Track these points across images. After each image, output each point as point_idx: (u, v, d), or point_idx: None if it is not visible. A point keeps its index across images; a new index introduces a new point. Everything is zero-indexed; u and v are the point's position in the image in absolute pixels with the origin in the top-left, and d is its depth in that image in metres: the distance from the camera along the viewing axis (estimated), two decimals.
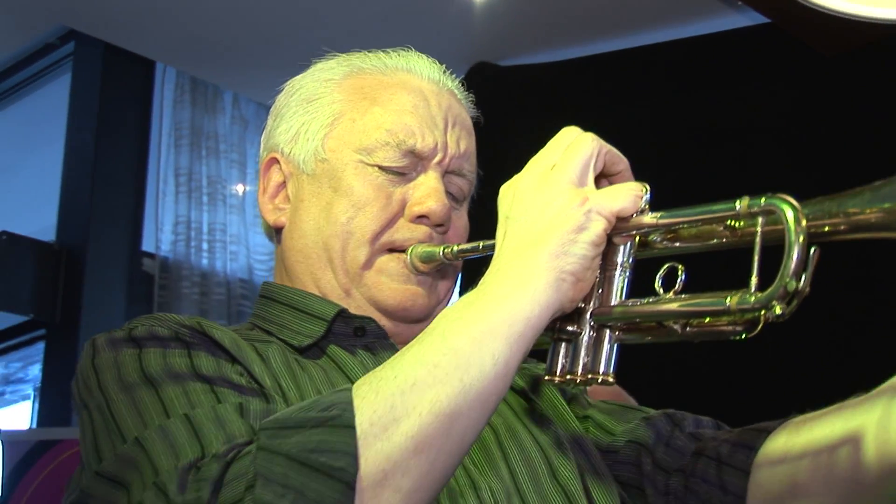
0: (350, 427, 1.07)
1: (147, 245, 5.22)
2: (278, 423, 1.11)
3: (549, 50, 4.76)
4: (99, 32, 5.06)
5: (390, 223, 1.48)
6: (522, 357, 1.16)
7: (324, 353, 1.45)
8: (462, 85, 1.63)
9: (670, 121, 4.22)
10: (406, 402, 1.08)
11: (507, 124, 4.31)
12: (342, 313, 1.46)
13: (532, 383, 1.56)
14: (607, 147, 1.27)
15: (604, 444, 1.51)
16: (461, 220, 1.56)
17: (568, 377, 1.27)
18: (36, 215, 5.36)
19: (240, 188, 5.48)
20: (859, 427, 1.21)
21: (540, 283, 1.17)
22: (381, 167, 1.49)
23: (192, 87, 5.33)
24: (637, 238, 1.27)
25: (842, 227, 1.09)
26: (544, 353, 1.33)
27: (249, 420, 1.20)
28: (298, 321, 1.47)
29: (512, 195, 1.27)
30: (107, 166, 5.09)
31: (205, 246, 5.20)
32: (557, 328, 1.27)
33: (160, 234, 5.19)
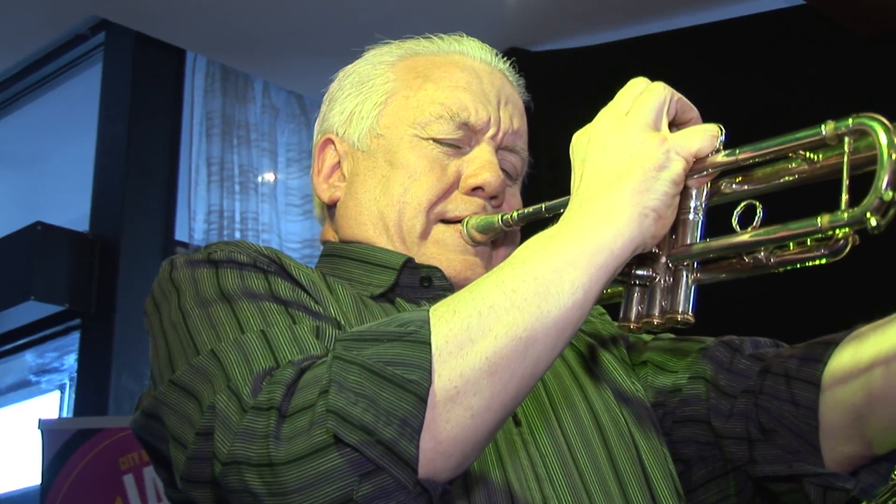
0: (426, 343, 1.09)
1: (180, 234, 5.23)
2: (355, 335, 1.13)
3: (580, 35, 4.76)
4: (130, 22, 5.08)
5: (445, 195, 1.50)
6: (602, 289, 1.17)
7: (392, 304, 1.46)
8: (514, 70, 1.66)
9: (706, 104, 4.20)
10: (483, 323, 1.10)
11: (540, 110, 4.31)
12: (409, 262, 1.47)
13: (589, 346, 1.57)
14: (678, 95, 1.30)
15: (668, 385, 1.51)
16: (515, 197, 1.57)
17: (644, 321, 1.28)
18: (69, 205, 5.39)
19: (271, 177, 5.49)
20: None
21: (623, 216, 1.18)
22: (435, 140, 1.51)
23: (223, 75, 5.34)
24: (709, 183, 1.28)
25: None
26: (614, 307, 1.34)
27: (325, 342, 1.21)
28: (367, 273, 1.48)
29: (587, 140, 1.28)
30: (139, 156, 5.11)
31: (237, 234, 5.22)
32: (633, 273, 1.28)
33: (193, 224, 5.21)
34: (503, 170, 1.54)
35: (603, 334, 1.59)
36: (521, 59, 5.31)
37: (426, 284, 1.47)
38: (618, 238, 1.17)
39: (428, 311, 1.13)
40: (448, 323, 1.11)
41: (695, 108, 1.31)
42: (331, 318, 1.31)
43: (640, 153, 1.22)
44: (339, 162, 1.59)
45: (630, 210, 1.19)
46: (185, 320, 1.28)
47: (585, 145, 1.28)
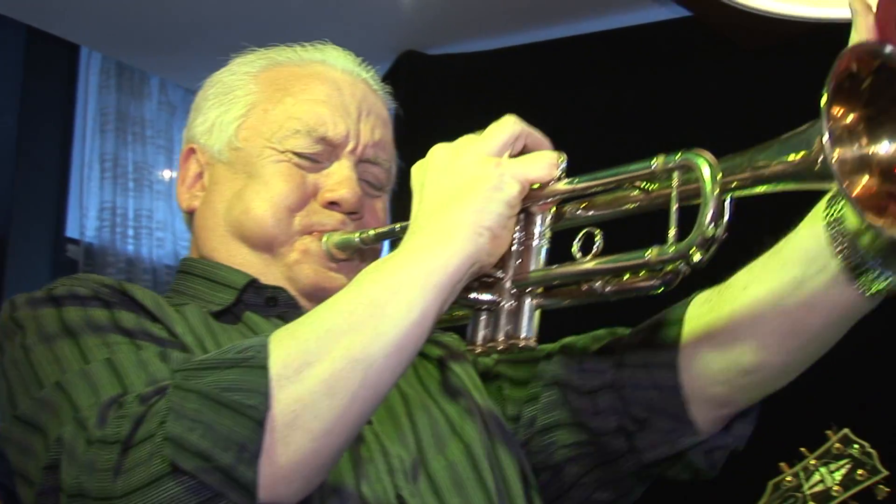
0: (263, 368, 1.10)
1: (71, 231, 5.14)
2: (195, 364, 1.14)
3: (476, 39, 4.79)
4: (21, 15, 4.98)
5: (303, 205, 1.51)
6: (440, 308, 1.19)
7: (239, 320, 1.47)
8: (377, 78, 1.66)
9: (595, 110, 4.28)
10: (320, 346, 1.11)
11: (435, 113, 4.34)
12: (253, 283, 1.49)
13: (448, 354, 1.59)
14: (530, 129, 1.31)
15: (524, 396, 1.54)
16: (380, 207, 1.59)
17: (489, 345, 1.31)
18: None
19: (166, 174, 5.43)
20: (784, 280, 1.28)
21: (459, 235, 1.20)
22: (293, 153, 1.52)
23: (119, 71, 5.26)
24: (554, 208, 1.31)
25: (754, 180, 1.15)
26: (463, 328, 1.37)
27: (171, 365, 1.22)
28: (211, 291, 1.49)
29: (425, 167, 1.30)
30: (30, 152, 5.00)
31: (130, 232, 5.14)
32: (477, 298, 1.30)
33: (85, 221, 5.12)
34: (366, 181, 1.56)
35: (454, 348, 1.61)
36: (418, 63, 5.30)
37: (272, 304, 1.49)
38: (453, 257, 1.19)
39: (268, 336, 1.14)
40: (286, 347, 1.12)
41: (547, 143, 1.32)
42: (177, 343, 1.32)
43: (476, 175, 1.24)
44: (201, 172, 1.60)
45: (465, 229, 1.21)
46: (27, 356, 1.27)
47: (424, 172, 1.30)
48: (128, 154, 5.23)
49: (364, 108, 1.57)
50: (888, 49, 1.09)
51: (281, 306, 1.49)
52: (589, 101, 4.31)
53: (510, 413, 1.55)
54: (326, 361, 1.11)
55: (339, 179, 1.52)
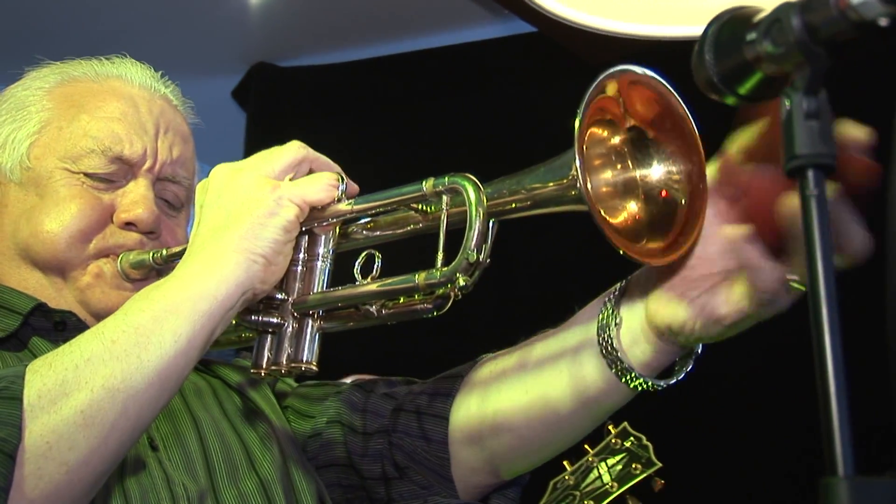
0: (16, 398, 1.06)
1: None
2: None
3: (328, 52, 4.76)
4: None
5: (99, 228, 1.47)
6: (209, 336, 1.17)
7: (25, 346, 1.41)
8: (178, 93, 1.62)
9: (443, 124, 4.29)
10: (79, 376, 1.08)
11: (286, 124, 4.31)
12: (41, 307, 1.43)
13: (243, 381, 1.57)
14: (316, 155, 1.30)
15: (308, 431, 1.52)
16: (180, 226, 1.55)
17: (273, 368, 1.29)
18: None
19: None
20: (547, 386, 1.28)
21: (228, 263, 1.18)
22: (87, 174, 1.47)
23: None
24: (337, 229, 1.30)
25: (522, 204, 1.15)
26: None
27: None
28: None
29: (206, 188, 1.28)
30: None
31: None
32: (261, 320, 1.28)
33: None
34: (165, 199, 1.52)
35: (254, 378, 1.58)
36: (269, 75, 5.23)
37: (60, 329, 1.43)
38: (221, 284, 1.17)
39: (25, 366, 1.10)
40: (43, 377, 1.08)
41: (335, 167, 1.31)
42: None
43: (250, 199, 1.22)
44: None
45: (235, 256, 1.19)
46: None
47: (204, 192, 1.27)
48: None
49: (162, 124, 1.53)
50: (641, 71, 1.09)
51: (70, 331, 1.43)
52: (437, 115, 4.33)
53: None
54: (84, 391, 1.07)
55: (135, 199, 1.47)
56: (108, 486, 1.25)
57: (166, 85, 1.60)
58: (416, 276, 1.18)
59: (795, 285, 1.05)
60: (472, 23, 4.40)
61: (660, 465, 2.52)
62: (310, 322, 1.29)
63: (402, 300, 1.25)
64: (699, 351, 1.20)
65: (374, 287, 1.23)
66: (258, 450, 1.44)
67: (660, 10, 2.40)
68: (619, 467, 2.52)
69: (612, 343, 1.19)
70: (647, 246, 1.09)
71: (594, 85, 1.06)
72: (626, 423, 2.54)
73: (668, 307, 1.13)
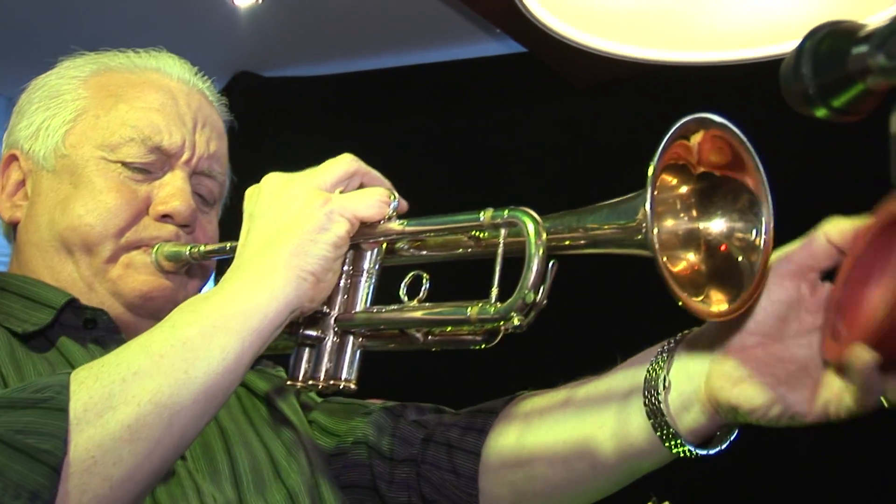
0: (62, 410, 1.03)
1: None
2: None
3: (313, 64, 4.74)
4: None
5: (135, 220, 1.45)
6: (256, 354, 1.15)
7: (53, 346, 1.38)
8: (214, 89, 1.61)
9: (428, 141, 4.29)
10: (126, 390, 1.05)
11: (267, 135, 4.28)
12: (72, 303, 1.41)
13: (274, 388, 1.55)
14: (367, 169, 1.28)
15: (331, 448, 1.51)
16: (211, 222, 1.54)
17: (310, 382, 1.27)
18: None
19: None
20: (591, 432, 1.27)
21: (278, 280, 1.16)
22: (124, 163, 1.45)
23: None
24: (384, 245, 1.28)
25: (580, 242, 1.13)
26: (287, 357, 1.32)
27: None
28: (25, 309, 1.40)
29: (257, 194, 1.26)
30: None
31: None
32: (301, 333, 1.26)
33: None
34: (199, 195, 1.50)
35: (279, 380, 1.57)
36: (251, 84, 5.22)
37: (90, 326, 1.41)
38: (272, 302, 1.15)
39: (69, 375, 1.07)
40: (89, 389, 1.05)
41: (386, 182, 1.29)
42: None
43: (300, 213, 1.20)
44: (23, 180, 1.51)
45: (286, 273, 1.17)
46: None
47: (255, 200, 1.26)
48: None
49: (200, 118, 1.51)
50: (718, 120, 1.08)
51: (100, 330, 1.41)
52: (419, 133, 4.33)
53: None
54: (132, 405, 1.05)
55: (172, 192, 1.46)
56: None
57: (203, 80, 1.59)
58: (469, 308, 1.16)
59: (885, 400, 1.03)
60: (460, 40, 4.40)
61: None
62: (351, 339, 1.27)
63: (448, 329, 1.23)
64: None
65: (422, 314, 1.22)
66: (284, 460, 1.43)
67: (657, 34, 2.41)
68: None
69: (659, 406, 1.18)
70: (706, 300, 1.08)
71: (674, 129, 1.04)
72: (668, 503, 2.55)
73: (739, 388, 1.10)
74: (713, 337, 1.15)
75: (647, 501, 2.56)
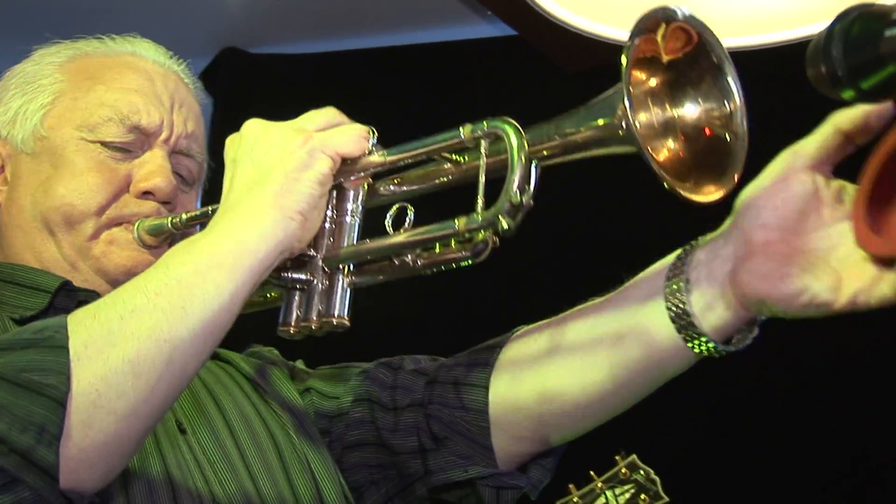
0: (62, 347, 1.05)
1: None
2: None
3: (300, 41, 4.72)
4: None
5: (115, 198, 1.46)
6: (249, 291, 1.16)
7: None
8: (189, 71, 1.63)
9: (415, 122, 4.27)
10: (125, 327, 1.07)
11: (253, 112, 4.25)
12: (66, 286, 1.41)
13: (259, 368, 1.56)
14: (349, 122, 1.29)
15: (333, 410, 1.51)
16: (192, 202, 1.55)
17: (303, 325, 1.28)
18: None
19: None
20: (612, 343, 1.27)
21: (266, 219, 1.18)
22: (104, 143, 1.47)
23: None
24: (366, 184, 1.29)
25: (563, 147, 1.15)
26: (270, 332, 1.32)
27: None
28: (19, 295, 1.41)
29: (238, 141, 1.28)
30: None
31: None
32: (290, 277, 1.27)
33: None
34: (178, 174, 1.52)
35: (269, 358, 1.59)
36: (238, 60, 5.18)
37: None
38: (262, 242, 1.16)
39: (65, 317, 1.09)
40: (88, 328, 1.07)
41: (366, 128, 1.29)
42: None
43: (282, 153, 1.22)
44: (2, 165, 1.52)
45: (273, 213, 1.18)
46: None
47: (237, 145, 1.27)
48: None
49: (177, 99, 1.53)
50: (682, 13, 1.10)
51: None
52: (406, 113, 4.31)
53: (320, 426, 1.51)
54: (132, 341, 1.07)
55: (152, 169, 1.47)
56: (144, 466, 1.26)
57: (178, 63, 1.61)
58: (456, 221, 1.16)
59: None
60: (449, 22, 4.39)
61: (667, 499, 2.54)
62: (341, 277, 1.27)
63: (437, 249, 1.23)
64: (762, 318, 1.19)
65: (409, 236, 1.22)
66: (275, 426, 1.45)
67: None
68: (627, 497, 2.55)
69: (683, 307, 1.18)
70: (695, 187, 1.09)
71: (639, 23, 1.07)
72: (634, 456, 2.56)
73: (766, 280, 1.11)
74: (734, 236, 1.16)
75: (615, 455, 2.58)
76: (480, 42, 4.28)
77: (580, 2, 2.39)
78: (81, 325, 1.08)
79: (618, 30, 2.45)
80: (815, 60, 0.94)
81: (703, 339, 1.17)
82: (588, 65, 4.29)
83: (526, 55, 4.03)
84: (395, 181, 1.30)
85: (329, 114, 1.28)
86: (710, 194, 1.09)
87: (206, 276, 1.13)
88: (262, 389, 1.52)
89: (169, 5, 4.43)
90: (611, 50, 2.54)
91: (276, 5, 4.51)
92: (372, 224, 1.30)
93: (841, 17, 0.93)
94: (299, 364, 1.61)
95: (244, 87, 4.42)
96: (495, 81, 4.22)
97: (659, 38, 1.10)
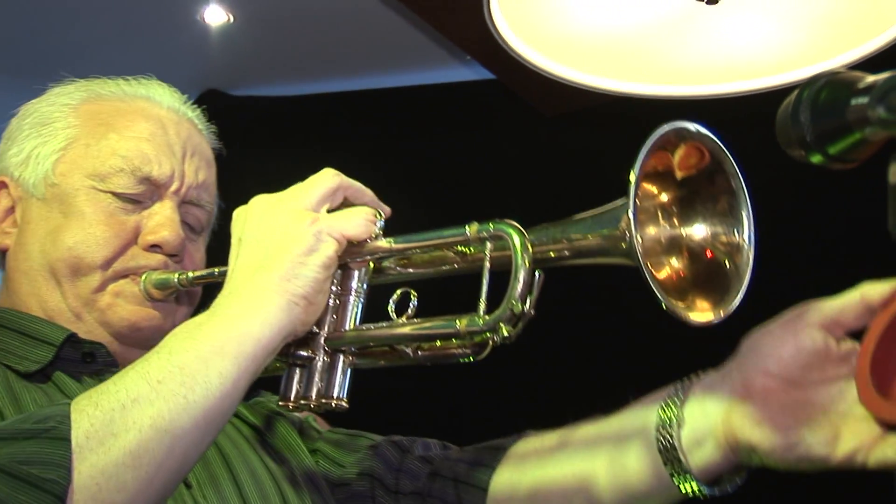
0: (64, 439, 1.03)
1: None
2: None
3: (281, 84, 4.75)
4: None
5: (123, 250, 1.45)
6: (252, 378, 1.16)
7: (49, 379, 1.38)
8: (203, 117, 1.62)
9: (394, 165, 4.30)
10: (126, 416, 1.06)
11: (234, 152, 4.26)
12: (72, 338, 1.40)
13: (265, 419, 1.55)
14: (349, 182, 1.29)
15: (335, 477, 1.51)
16: (199, 251, 1.54)
17: (302, 402, 1.28)
18: None
19: None
20: (590, 470, 1.28)
21: (271, 305, 1.17)
22: (114, 193, 1.45)
23: None
24: (371, 264, 1.29)
25: (565, 253, 1.15)
26: (278, 382, 1.33)
27: None
28: (24, 346, 1.39)
29: (245, 217, 1.27)
30: None
31: None
32: (292, 353, 1.27)
33: None
34: (187, 223, 1.51)
35: (275, 409, 1.58)
36: (219, 102, 5.20)
37: (88, 360, 1.41)
38: (265, 328, 1.16)
39: (69, 404, 1.07)
40: (90, 417, 1.05)
41: (369, 194, 1.31)
42: None
43: (288, 235, 1.21)
44: (12, 207, 1.50)
45: (278, 298, 1.18)
46: None
47: (243, 224, 1.27)
48: None
49: (189, 148, 1.52)
50: (695, 129, 1.10)
51: (98, 363, 1.41)
52: (386, 156, 4.34)
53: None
54: (132, 432, 1.05)
55: (161, 221, 1.46)
56: None
57: (192, 109, 1.60)
58: (458, 321, 1.17)
59: None
60: (429, 65, 4.43)
61: None
62: (341, 358, 1.28)
63: (438, 343, 1.24)
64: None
65: (411, 329, 1.23)
66: (288, 490, 1.44)
67: (628, 67, 2.45)
68: None
69: (671, 441, 1.18)
70: (691, 305, 1.09)
71: (653, 139, 1.07)
72: None
73: (759, 427, 1.11)
74: (733, 378, 1.16)
75: None
76: (459, 85, 4.32)
77: (556, 48, 2.42)
78: (84, 414, 1.06)
79: (595, 77, 2.49)
80: (785, 124, 0.96)
81: (688, 476, 1.18)
82: (567, 108, 4.35)
83: (505, 98, 4.07)
84: (402, 263, 1.30)
85: (330, 179, 1.27)
86: (705, 313, 1.09)
87: (209, 364, 1.12)
88: (268, 443, 1.51)
89: (153, 47, 4.46)
90: (591, 95, 2.58)
91: (258, 49, 4.54)
92: (375, 302, 1.30)
93: (810, 83, 0.95)
94: (308, 419, 1.60)
95: (225, 128, 4.44)
96: (474, 124, 4.25)
97: (673, 155, 1.11)
